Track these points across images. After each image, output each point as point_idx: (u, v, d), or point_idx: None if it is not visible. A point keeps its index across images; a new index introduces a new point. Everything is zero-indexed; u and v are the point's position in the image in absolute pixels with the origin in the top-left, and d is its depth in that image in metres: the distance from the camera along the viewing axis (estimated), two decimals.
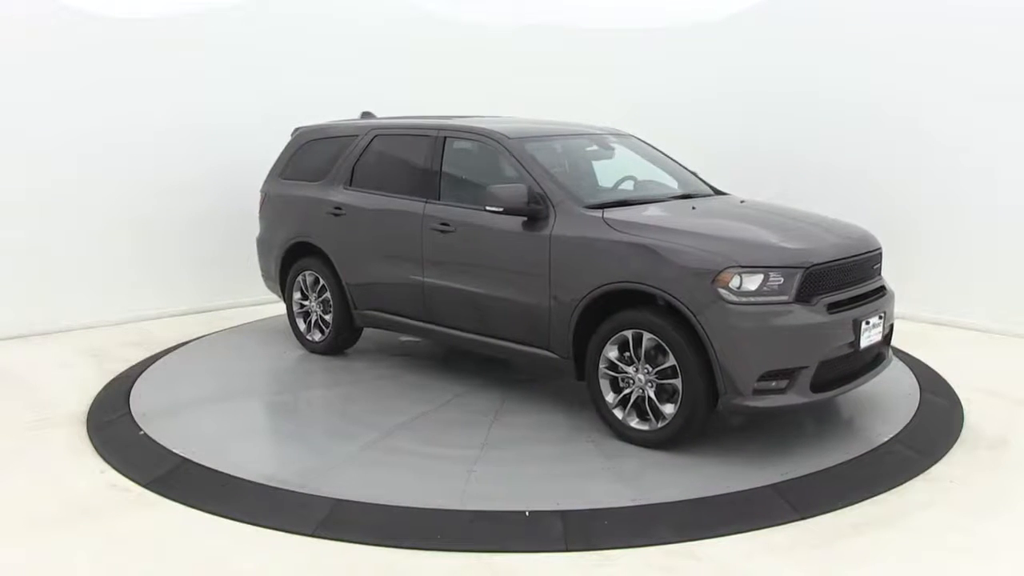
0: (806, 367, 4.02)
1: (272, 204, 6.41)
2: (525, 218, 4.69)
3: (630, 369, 4.31)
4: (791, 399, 4.03)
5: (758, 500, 3.76)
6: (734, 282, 3.98)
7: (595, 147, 5.60)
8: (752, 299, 3.98)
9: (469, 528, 3.55)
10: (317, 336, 6.14)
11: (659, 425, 4.23)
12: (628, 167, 5.52)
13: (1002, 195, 6.73)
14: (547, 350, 4.71)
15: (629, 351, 4.30)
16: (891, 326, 4.70)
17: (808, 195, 7.27)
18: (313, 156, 6.20)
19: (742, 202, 5.19)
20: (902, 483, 3.96)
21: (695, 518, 3.62)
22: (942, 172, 7.06)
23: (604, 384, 4.44)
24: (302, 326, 6.24)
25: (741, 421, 4.67)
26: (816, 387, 4.09)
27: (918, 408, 4.88)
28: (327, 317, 6.03)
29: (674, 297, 4.08)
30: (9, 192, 6.54)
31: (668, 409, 4.19)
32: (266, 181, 6.50)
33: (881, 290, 4.59)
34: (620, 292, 4.33)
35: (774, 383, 4.00)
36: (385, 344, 6.38)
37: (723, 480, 3.92)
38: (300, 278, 6.18)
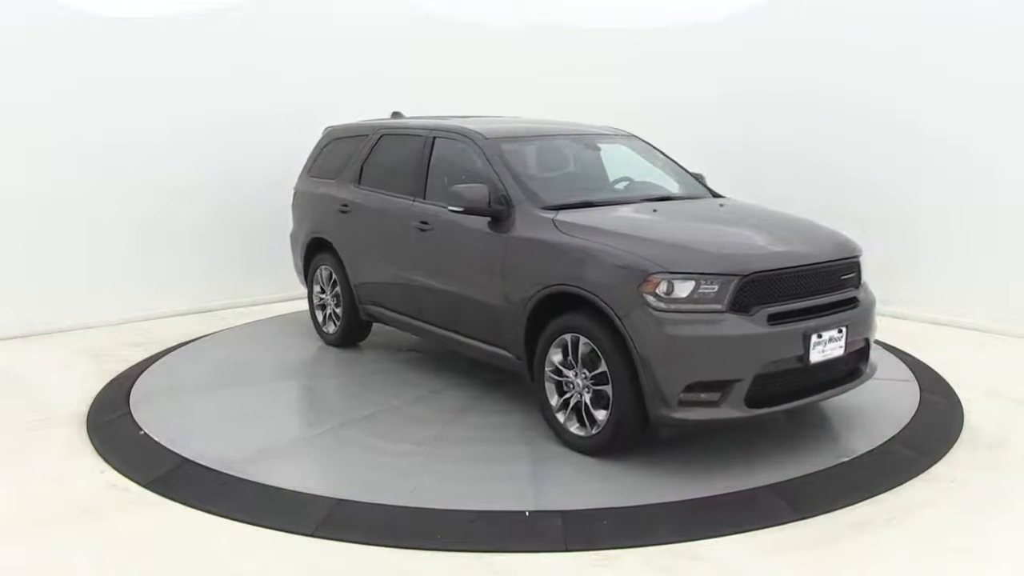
0: (739, 380, 3.81)
1: (300, 200, 6.64)
2: (490, 218, 4.67)
3: (570, 373, 4.25)
4: (724, 413, 3.82)
5: (757, 500, 3.75)
6: (662, 288, 3.83)
7: (582, 147, 5.54)
8: (681, 306, 3.81)
9: (469, 528, 3.55)
10: (331, 329, 6.33)
11: (593, 432, 4.13)
12: (616, 168, 5.49)
13: (1002, 195, 6.73)
14: (505, 350, 4.70)
15: (570, 355, 4.23)
16: (866, 340, 4.38)
17: (808, 195, 7.28)
18: (334, 155, 6.39)
19: (721, 205, 5.05)
20: (902, 483, 3.95)
21: (695, 518, 3.62)
22: (942, 172, 7.06)
23: (550, 387, 4.35)
24: (320, 318, 6.42)
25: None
26: (755, 401, 3.87)
27: (918, 408, 4.88)
28: (339, 311, 6.17)
29: (601, 300, 3.97)
30: (9, 192, 6.54)
31: (600, 416, 4.08)
32: (298, 179, 6.72)
33: (850, 302, 4.26)
34: (562, 295, 4.22)
35: (703, 395, 3.81)
36: (399, 339, 6.42)
37: (719, 481, 3.91)
38: (317, 272, 6.37)
